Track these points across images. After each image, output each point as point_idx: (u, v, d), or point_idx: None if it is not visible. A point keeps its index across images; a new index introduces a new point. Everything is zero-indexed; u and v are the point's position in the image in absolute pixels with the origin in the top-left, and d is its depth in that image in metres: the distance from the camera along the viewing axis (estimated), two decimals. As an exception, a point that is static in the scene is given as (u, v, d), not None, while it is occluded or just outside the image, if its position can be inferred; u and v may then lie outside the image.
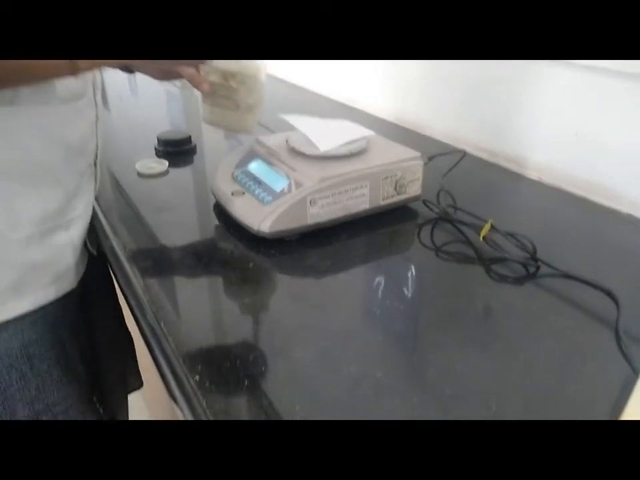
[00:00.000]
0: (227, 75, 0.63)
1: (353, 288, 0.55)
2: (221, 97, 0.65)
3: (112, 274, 0.62)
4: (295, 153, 0.66)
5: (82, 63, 0.46)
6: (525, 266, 0.58)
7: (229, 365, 0.43)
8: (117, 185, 0.79)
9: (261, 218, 0.60)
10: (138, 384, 0.84)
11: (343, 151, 0.65)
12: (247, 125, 0.67)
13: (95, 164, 0.63)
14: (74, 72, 0.46)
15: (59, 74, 0.47)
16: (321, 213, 0.62)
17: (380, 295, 0.54)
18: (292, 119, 0.69)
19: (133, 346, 0.82)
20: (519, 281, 0.56)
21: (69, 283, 0.60)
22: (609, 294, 0.53)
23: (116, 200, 0.74)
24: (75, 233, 0.59)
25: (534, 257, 0.57)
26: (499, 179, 0.84)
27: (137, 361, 0.84)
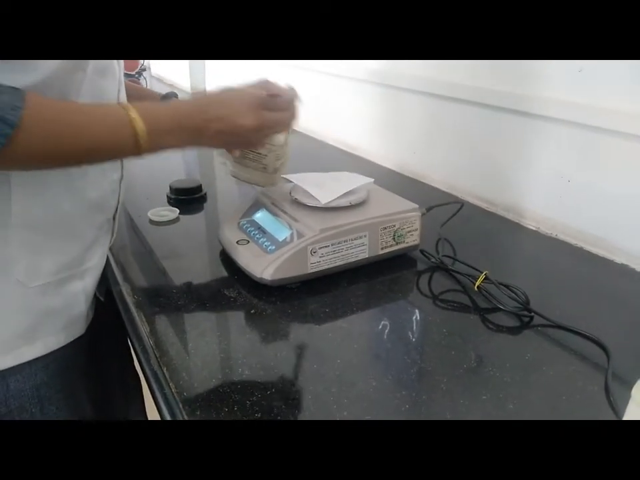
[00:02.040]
0: None
1: (351, 335, 0.57)
2: (249, 159, 0.70)
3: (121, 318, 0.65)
4: (298, 204, 0.70)
5: (144, 147, 0.52)
6: (518, 316, 0.60)
7: (227, 410, 0.45)
8: (130, 232, 0.83)
9: (263, 266, 0.63)
10: (142, 426, 0.85)
11: (343, 202, 0.68)
12: (273, 182, 0.73)
13: (114, 218, 0.67)
14: (137, 154, 0.53)
15: (124, 156, 0.54)
16: (321, 262, 0.64)
17: (377, 342, 0.56)
18: (294, 177, 0.73)
19: (140, 388, 0.84)
20: (512, 330, 0.58)
21: (79, 328, 0.63)
22: (600, 345, 0.54)
23: (128, 247, 0.78)
24: (89, 281, 0.63)
25: (527, 308, 0.59)
26: (497, 229, 0.87)
27: (143, 402, 0.85)
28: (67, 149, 0.48)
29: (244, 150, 0.68)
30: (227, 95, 0.59)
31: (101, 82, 0.57)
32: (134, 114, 0.51)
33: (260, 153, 0.69)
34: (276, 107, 0.60)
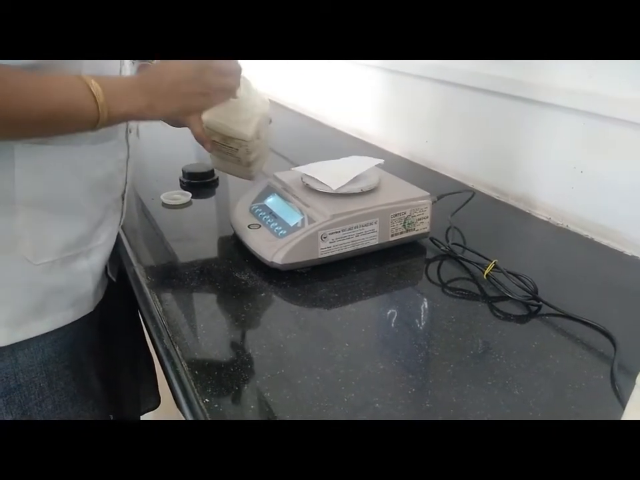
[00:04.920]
0: (226, 138, 0.69)
1: (359, 320, 0.58)
2: (223, 152, 0.72)
3: (134, 299, 0.66)
4: (309, 189, 0.70)
5: (101, 121, 0.51)
6: (526, 305, 0.60)
7: (237, 389, 0.46)
8: (143, 215, 0.84)
9: (274, 250, 0.63)
10: (153, 405, 0.87)
11: (354, 188, 0.69)
12: (249, 175, 0.77)
13: (123, 198, 0.68)
14: (97, 121, 0.52)
15: (84, 123, 0.52)
16: (331, 247, 0.65)
17: (385, 327, 0.56)
18: (303, 169, 0.73)
19: (153, 367, 0.85)
20: (520, 319, 0.58)
21: (87, 306, 0.64)
22: (607, 335, 0.55)
23: (141, 229, 0.79)
24: (96, 260, 0.63)
25: (535, 297, 0.59)
26: (508, 218, 0.87)
27: (156, 382, 0.87)
28: (22, 119, 0.48)
29: (217, 143, 0.70)
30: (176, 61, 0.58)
31: (101, 63, 0.56)
32: (89, 79, 0.50)
33: (232, 147, 0.72)
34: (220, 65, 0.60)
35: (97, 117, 0.51)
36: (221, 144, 0.71)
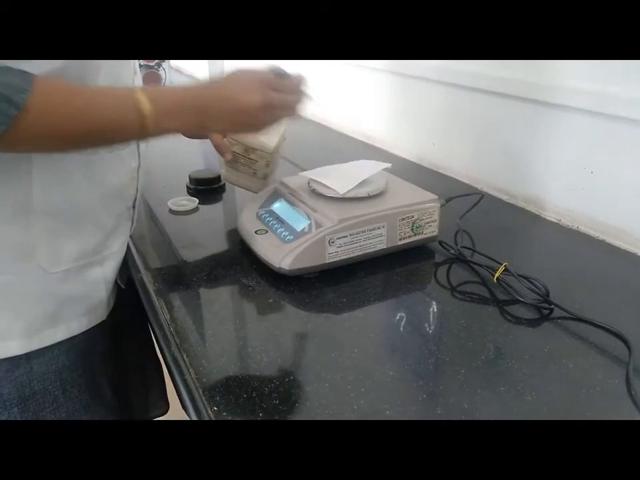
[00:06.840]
0: (248, 149, 0.69)
1: (368, 325, 0.57)
2: (241, 164, 0.72)
3: (142, 306, 0.66)
4: (316, 194, 0.70)
5: (150, 129, 0.52)
6: (538, 308, 0.59)
7: (245, 397, 0.46)
8: (149, 222, 0.84)
9: (281, 256, 0.63)
10: (162, 410, 0.87)
11: (362, 192, 0.68)
12: (258, 188, 0.78)
13: (134, 206, 0.68)
14: (144, 136, 0.54)
15: (130, 138, 0.55)
16: (339, 252, 0.64)
17: (394, 333, 0.56)
18: (310, 174, 0.73)
19: (162, 372, 0.85)
20: (531, 322, 0.57)
21: (100, 314, 0.64)
22: (621, 338, 0.54)
23: (147, 236, 0.79)
24: (109, 269, 0.64)
25: (547, 300, 0.58)
26: (517, 221, 0.86)
27: (164, 387, 0.87)
28: (73, 132, 0.49)
29: (237, 154, 0.70)
30: (234, 76, 0.58)
31: (117, 69, 0.57)
32: (140, 95, 0.50)
33: (251, 159, 0.72)
34: (283, 88, 0.59)
35: (144, 134, 0.53)
36: (241, 155, 0.71)
